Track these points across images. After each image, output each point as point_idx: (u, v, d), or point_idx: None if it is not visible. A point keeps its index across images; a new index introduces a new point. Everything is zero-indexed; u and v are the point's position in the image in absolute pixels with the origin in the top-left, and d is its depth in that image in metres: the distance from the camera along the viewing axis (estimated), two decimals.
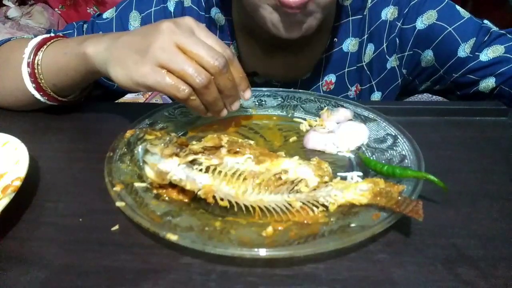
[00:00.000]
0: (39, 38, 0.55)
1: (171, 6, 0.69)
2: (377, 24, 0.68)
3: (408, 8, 0.66)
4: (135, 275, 0.33)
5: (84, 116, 0.59)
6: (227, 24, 0.70)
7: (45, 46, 0.54)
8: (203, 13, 0.70)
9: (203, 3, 0.69)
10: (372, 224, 0.34)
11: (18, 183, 0.39)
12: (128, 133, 0.46)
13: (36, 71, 0.53)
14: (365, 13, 0.68)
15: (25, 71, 0.53)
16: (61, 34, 0.59)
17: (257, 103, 0.59)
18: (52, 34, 0.59)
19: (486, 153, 0.50)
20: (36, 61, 0.53)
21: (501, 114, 0.58)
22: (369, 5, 0.68)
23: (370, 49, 0.70)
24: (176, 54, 0.42)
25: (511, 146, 0.51)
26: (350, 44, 0.70)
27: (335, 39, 0.70)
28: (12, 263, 0.34)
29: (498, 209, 0.40)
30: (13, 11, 2.31)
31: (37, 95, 0.54)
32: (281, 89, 0.60)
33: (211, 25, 0.70)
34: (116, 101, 0.75)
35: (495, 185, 0.44)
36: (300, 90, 0.60)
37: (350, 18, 0.69)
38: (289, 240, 0.34)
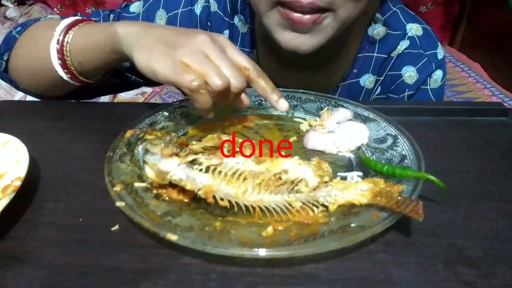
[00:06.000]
0: (72, 18, 0.56)
1: (198, 9, 0.69)
2: (392, 74, 0.68)
3: (416, 91, 0.67)
4: (135, 275, 0.33)
5: (84, 116, 0.59)
6: (249, 32, 0.70)
7: (76, 27, 0.55)
8: (227, 19, 0.70)
9: (228, 10, 0.69)
10: (372, 224, 0.34)
11: (18, 183, 0.39)
12: (128, 133, 0.46)
13: (64, 48, 0.54)
14: (392, 55, 0.67)
15: (53, 48, 0.54)
16: (92, 19, 0.60)
17: (257, 103, 0.59)
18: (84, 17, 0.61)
19: (486, 153, 0.50)
20: (66, 39, 0.54)
21: (501, 114, 0.58)
22: (400, 51, 0.67)
23: (378, 89, 0.70)
24: (202, 59, 0.43)
25: (511, 146, 0.51)
26: (367, 80, 0.70)
27: (355, 70, 0.69)
28: (12, 263, 0.34)
29: (498, 209, 0.40)
30: (12, 11, 2.31)
31: (61, 72, 0.55)
32: (281, 89, 0.60)
33: (234, 31, 0.71)
34: (116, 101, 0.75)
35: (495, 185, 0.44)
36: (300, 90, 0.59)
37: (375, 55, 0.68)
38: (289, 240, 0.34)
